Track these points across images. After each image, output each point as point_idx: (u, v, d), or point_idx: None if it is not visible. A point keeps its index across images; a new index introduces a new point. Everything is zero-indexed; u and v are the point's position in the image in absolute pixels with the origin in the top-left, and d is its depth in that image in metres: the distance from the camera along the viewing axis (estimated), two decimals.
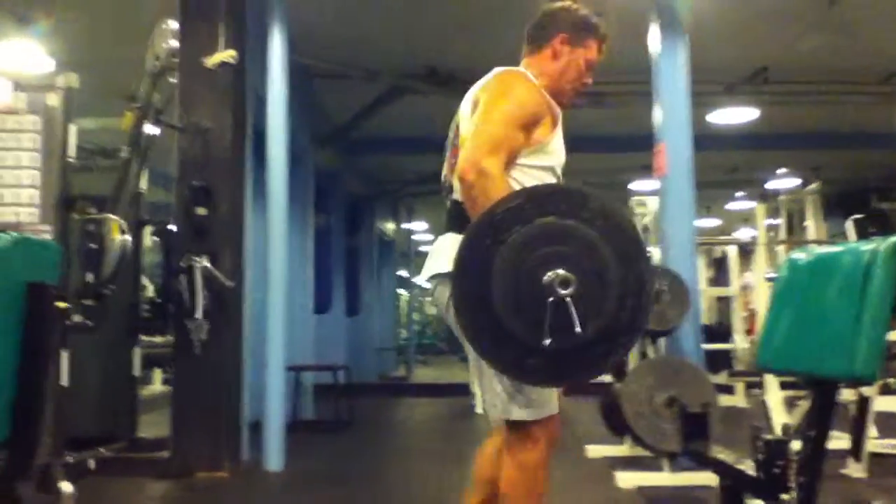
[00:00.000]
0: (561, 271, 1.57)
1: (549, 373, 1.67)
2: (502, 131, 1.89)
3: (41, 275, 1.70)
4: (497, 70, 2.04)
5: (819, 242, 6.13)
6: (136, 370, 4.39)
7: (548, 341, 1.56)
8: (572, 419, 6.69)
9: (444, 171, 2.10)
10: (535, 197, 1.68)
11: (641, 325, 1.69)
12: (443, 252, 1.95)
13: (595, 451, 4.53)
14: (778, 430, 4.02)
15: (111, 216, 3.33)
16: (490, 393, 1.91)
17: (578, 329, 1.57)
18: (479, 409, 1.88)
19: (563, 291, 1.56)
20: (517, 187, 1.91)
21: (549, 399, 1.90)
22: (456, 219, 1.96)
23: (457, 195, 1.95)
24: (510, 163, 1.92)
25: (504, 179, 1.84)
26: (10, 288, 1.63)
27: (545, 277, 1.57)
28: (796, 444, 1.58)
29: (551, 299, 1.56)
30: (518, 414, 1.87)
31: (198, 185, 4.01)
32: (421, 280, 2.00)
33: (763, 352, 1.83)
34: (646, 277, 1.65)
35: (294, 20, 4.57)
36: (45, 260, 1.77)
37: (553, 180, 2.00)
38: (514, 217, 1.62)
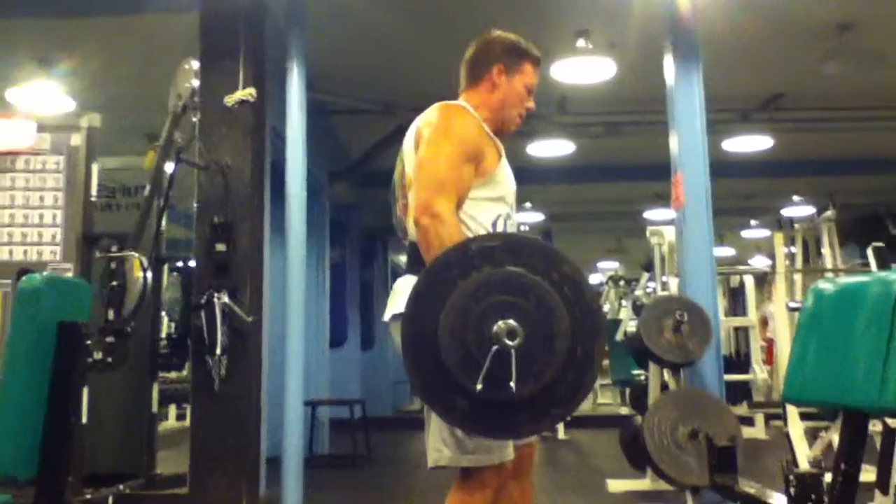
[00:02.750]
0: (512, 322, 1.54)
1: (474, 420, 1.63)
2: (448, 171, 1.86)
3: (72, 314, 1.72)
4: (438, 104, 2.01)
5: (837, 271, 6.09)
6: (155, 407, 4.40)
7: (479, 386, 1.53)
8: (591, 452, 6.61)
9: (397, 213, 2.05)
10: (512, 244, 1.67)
11: (577, 403, 1.66)
12: (402, 292, 1.86)
13: (616, 485, 4.47)
14: (802, 463, 3.96)
15: (133, 254, 3.35)
16: (435, 440, 1.87)
17: (513, 385, 1.52)
18: (430, 464, 1.82)
19: (509, 342, 1.53)
20: (469, 221, 1.91)
21: (501, 444, 1.85)
22: (415, 261, 1.92)
23: (413, 237, 1.92)
24: (462, 201, 1.89)
25: (456, 222, 1.82)
26: (41, 327, 1.65)
27: (496, 325, 1.54)
28: (827, 477, 1.56)
29: (496, 347, 1.53)
30: (467, 461, 1.83)
31: (218, 222, 4.05)
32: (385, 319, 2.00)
33: (790, 383, 1.80)
34: (594, 355, 1.62)
35: (311, 58, 4.64)
36: (76, 299, 1.79)
37: (505, 209, 1.98)
38: (486, 257, 1.61)
